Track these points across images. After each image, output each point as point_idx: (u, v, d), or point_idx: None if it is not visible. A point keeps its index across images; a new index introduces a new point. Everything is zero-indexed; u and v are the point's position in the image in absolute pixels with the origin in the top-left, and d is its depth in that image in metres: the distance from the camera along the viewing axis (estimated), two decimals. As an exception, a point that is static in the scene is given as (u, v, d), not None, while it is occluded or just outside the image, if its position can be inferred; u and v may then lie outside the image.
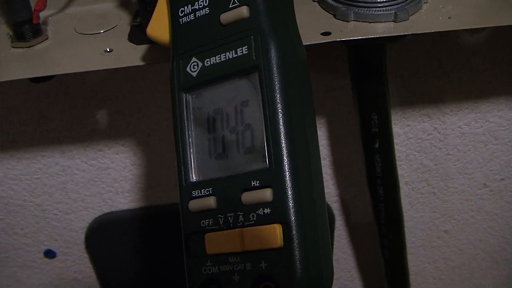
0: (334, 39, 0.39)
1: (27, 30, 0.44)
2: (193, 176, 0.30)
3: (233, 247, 0.28)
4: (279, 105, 0.27)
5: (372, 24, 0.40)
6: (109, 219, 0.66)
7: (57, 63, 0.43)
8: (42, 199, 0.65)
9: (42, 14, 0.45)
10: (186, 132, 0.31)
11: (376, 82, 0.48)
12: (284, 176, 0.27)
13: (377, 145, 0.51)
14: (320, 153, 0.59)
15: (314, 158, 0.29)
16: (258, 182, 0.27)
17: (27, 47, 0.45)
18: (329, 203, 0.65)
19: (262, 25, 0.29)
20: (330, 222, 0.65)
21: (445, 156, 0.63)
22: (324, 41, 0.39)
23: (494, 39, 0.56)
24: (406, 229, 0.64)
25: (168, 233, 0.56)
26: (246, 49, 0.29)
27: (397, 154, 0.62)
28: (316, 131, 0.31)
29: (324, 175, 0.61)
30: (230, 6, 0.30)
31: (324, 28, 0.40)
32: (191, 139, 0.31)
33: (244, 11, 0.29)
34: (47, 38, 0.45)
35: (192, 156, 0.31)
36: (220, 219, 0.29)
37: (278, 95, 0.27)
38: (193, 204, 0.30)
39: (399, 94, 0.58)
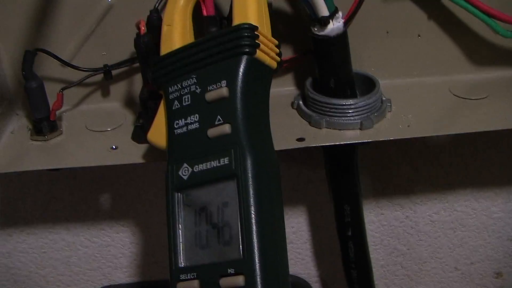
0: (307, 145, 0.45)
1: (44, 126, 0.49)
2: (181, 261, 0.35)
3: None
4: (251, 207, 0.33)
5: (341, 131, 0.46)
6: (108, 292, 0.69)
7: (70, 157, 0.48)
8: (47, 271, 0.69)
9: (58, 111, 0.50)
10: (177, 224, 0.36)
11: (348, 177, 0.53)
12: (254, 266, 0.32)
13: (350, 233, 0.56)
14: (302, 236, 0.65)
15: (280, 246, 0.34)
16: (233, 270, 0.32)
17: (44, 140, 0.50)
18: (310, 283, 0.70)
19: (241, 140, 0.34)
20: (311, 300, 0.70)
21: (417, 242, 0.68)
22: (298, 146, 0.45)
23: (460, 137, 0.61)
24: (383, 308, 0.69)
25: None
26: (227, 160, 0.34)
27: (372, 239, 0.67)
28: (283, 220, 0.36)
29: (305, 257, 0.67)
30: (216, 123, 0.36)
31: (299, 134, 0.46)
32: (181, 231, 0.36)
33: (226, 128, 0.35)
34: (61, 133, 0.50)
35: (180, 245, 0.36)
36: None
37: (251, 200, 0.33)
38: (180, 286, 0.35)
39: (373, 185, 0.63)
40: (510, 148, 0.63)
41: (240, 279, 0.32)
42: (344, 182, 0.54)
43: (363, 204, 0.62)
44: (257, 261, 0.32)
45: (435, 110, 0.49)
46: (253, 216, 0.33)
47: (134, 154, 0.47)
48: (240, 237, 0.33)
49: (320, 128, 0.47)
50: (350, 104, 0.46)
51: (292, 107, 0.51)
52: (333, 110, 0.46)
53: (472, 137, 0.62)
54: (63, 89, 0.49)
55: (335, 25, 0.45)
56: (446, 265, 0.71)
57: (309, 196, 0.64)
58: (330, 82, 0.47)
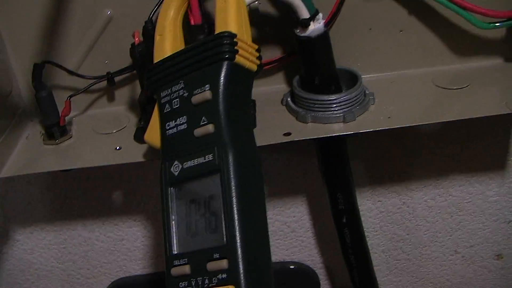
0: (292, 139, 0.48)
1: (55, 131, 0.54)
2: (175, 249, 0.39)
3: None
4: (233, 198, 0.36)
5: (326, 124, 0.49)
6: (124, 282, 0.73)
7: (79, 158, 0.52)
8: (67, 265, 0.74)
9: (68, 117, 0.54)
10: (170, 216, 0.40)
11: (339, 167, 0.57)
12: (235, 250, 0.35)
13: (344, 220, 0.59)
14: (304, 225, 0.68)
15: (261, 233, 0.38)
16: (218, 254, 0.36)
17: (56, 144, 0.54)
18: (314, 269, 0.73)
19: (223, 138, 0.38)
20: (314, 286, 0.73)
21: (416, 227, 0.71)
22: (285, 140, 0.48)
23: (446, 125, 0.64)
24: (387, 292, 0.72)
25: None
26: (212, 156, 0.38)
27: (372, 226, 0.70)
28: (265, 210, 0.39)
29: (308, 245, 0.70)
30: (201, 124, 0.39)
31: (286, 129, 0.49)
32: (174, 222, 0.40)
33: (210, 128, 0.38)
34: (71, 137, 0.55)
35: (174, 234, 0.39)
36: (192, 281, 0.37)
37: (233, 192, 0.36)
38: (174, 271, 0.38)
39: (368, 174, 0.66)
40: (502, 134, 0.65)
41: (224, 263, 0.35)
42: (336, 171, 0.57)
43: (360, 192, 0.66)
44: (238, 246, 0.35)
45: (417, 101, 0.52)
46: (234, 206, 0.36)
47: (136, 153, 0.50)
48: (223, 226, 0.36)
49: (306, 123, 0.50)
50: (333, 99, 0.49)
51: (282, 104, 0.54)
52: (317, 105, 0.50)
53: (464, 125, 0.64)
54: (70, 96, 0.53)
55: (316, 27, 0.48)
56: (446, 249, 0.73)
57: (308, 185, 0.67)
58: (315, 79, 0.50)
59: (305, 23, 0.48)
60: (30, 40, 0.54)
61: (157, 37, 0.46)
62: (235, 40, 0.40)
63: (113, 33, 0.54)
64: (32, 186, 0.67)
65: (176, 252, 0.39)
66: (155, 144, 0.43)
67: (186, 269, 0.38)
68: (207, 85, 0.40)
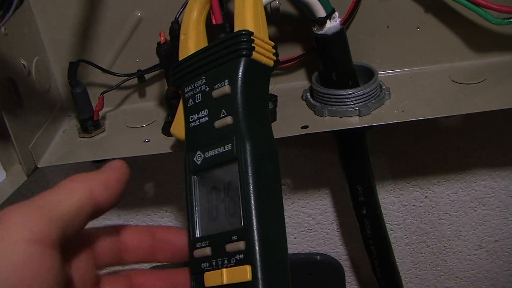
0: (309, 132, 0.51)
1: (89, 125, 0.57)
2: (197, 233, 0.42)
3: (220, 281, 0.38)
4: (250, 185, 0.38)
5: (342, 118, 0.52)
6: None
7: (111, 150, 0.55)
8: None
9: (102, 111, 0.58)
10: (194, 202, 0.42)
11: (358, 160, 0.59)
12: (252, 232, 0.37)
13: (364, 211, 0.61)
14: (328, 217, 0.70)
15: (277, 217, 0.40)
16: (236, 237, 0.38)
17: (90, 137, 0.58)
18: (339, 261, 0.75)
19: (241, 129, 0.40)
20: (340, 278, 0.75)
21: (439, 221, 0.72)
22: (302, 133, 0.51)
23: (467, 120, 0.65)
24: (411, 285, 0.73)
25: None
26: (230, 146, 0.40)
27: (395, 219, 0.72)
28: (280, 196, 0.40)
29: (333, 237, 0.72)
30: (221, 116, 0.42)
31: (305, 123, 0.52)
32: (197, 208, 0.42)
33: (229, 120, 0.41)
34: (104, 130, 0.58)
35: (196, 219, 0.42)
36: (213, 262, 0.39)
37: (250, 179, 0.38)
38: (197, 253, 0.40)
39: (390, 169, 0.68)
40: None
41: (241, 244, 0.37)
42: (355, 164, 0.59)
43: (383, 186, 0.68)
44: (254, 228, 0.37)
45: (433, 96, 0.54)
46: (251, 192, 0.38)
47: (163, 145, 0.54)
48: (241, 211, 0.38)
49: (323, 116, 0.53)
50: (348, 94, 0.51)
51: (302, 99, 0.56)
52: (334, 99, 0.52)
53: (484, 120, 0.65)
54: (103, 92, 0.57)
55: (332, 25, 0.51)
56: (470, 243, 0.74)
57: (332, 178, 0.69)
58: (332, 75, 0.53)
59: (322, 22, 0.50)
60: (67, 41, 0.59)
61: (181, 37, 0.48)
62: (252, 37, 0.43)
63: (142, 33, 0.58)
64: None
65: (198, 236, 0.41)
66: (180, 136, 0.46)
67: (207, 251, 0.40)
68: (226, 80, 0.42)
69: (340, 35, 0.51)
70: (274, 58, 0.44)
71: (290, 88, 0.59)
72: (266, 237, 0.38)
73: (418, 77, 0.57)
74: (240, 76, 0.42)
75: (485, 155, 0.67)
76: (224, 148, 0.41)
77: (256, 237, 0.37)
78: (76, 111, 0.59)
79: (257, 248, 0.37)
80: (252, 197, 0.38)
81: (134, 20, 0.57)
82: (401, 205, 0.71)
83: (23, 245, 0.24)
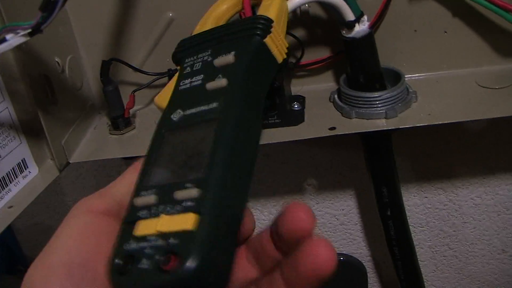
0: (337, 133, 0.52)
1: (120, 122, 0.59)
2: (146, 181, 0.34)
3: (154, 228, 0.31)
4: (225, 144, 0.33)
5: (369, 120, 0.53)
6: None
7: (141, 147, 0.56)
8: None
9: (132, 109, 0.59)
10: (153, 154, 0.35)
11: (383, 161, 0.59)
12: (213, 182, 0.31)
13: (389, 213, 0.62)
14: (352, 219, 0.70)
15: (241, 183, 0.33)
16: (191, 184, 0.31)
17: (120, 134, 0.59)
18: (362, 261, 0.76)
19: (233, 92, 0.37)
20: (362, 278, 0.75)
21: (462, 224, 0.72)
22: (329, 134, 0.51)
23: (492, 125, 0.65)
24: (433, 288, 0.73)
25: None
26: (216, 104, 0.36)
27: (418, 221, 0.72)
28: (251, 172, 0.34)
29: (356, 237, 0.73)
30: (215, 79, 0.38)
31: (332, 124, 0.53)
32: (155, 158, 0.35)
33: (223, 82, 0.37)
34: (134, 128, 0.60)
35: (151, 168, 0.34)
36: (152, 210, 0.32)
37: (227, 140, 0.33)
38: (138, 200, 0.33)
39: (414, 171, 0.69)
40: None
41: (194, 191, 0.31)
42: (380, 166, 0.60)
43: (407, 188, 0.68)
44: (217, 178, 0.32)
45: (459, 100, 0.54)
46: (224, 149, 0.33)
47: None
48: (205, 164, 0.33)
49: (351, 118, 0.53)
50: (376, 97, 0.52)
51: (329, 101, 0.57)
52: (361, 102, 0.53)
53: (508, 124, 0.65)
54: (134, 91, 0.58)
55: (360, 28, 0.51)
56: (493, 247, 0.74)
57: (357, 180, 0.70)
58: (360, 77, 0.54)
59: (351, 25, 0.51)
60: (100, 40, 0.60)
61: (197, 27, 0.48)
62: (270, 24, 0.41)
63: (174, 33, 0.59)
64: (101, 172, 0.72)
65: (146, 184, 0.34)
66: (162, 106, 0.40)
67: (152, 199, 0.33)
68: (232, 52, 0.40)
69: (368, 38, 0.52)
70: (285, 56, 0.42)
71: (317, 89, 0.60)
72: (228, 194, 0.32)
73: (445, 81, 0.58)
74: (248, 50, 0.39)
75: (509, 159, 0.68)
76: (208, 106, 0.36)
77: (216, 188, 0.31)
78: (108, 108, 0.60)
79: (213, 197, 0.31)
80: (222, 153, 0.33)
81: (166, 20, 0.58)
82: (425, 207, 0.71)
83: (81, 216, 0.32)
